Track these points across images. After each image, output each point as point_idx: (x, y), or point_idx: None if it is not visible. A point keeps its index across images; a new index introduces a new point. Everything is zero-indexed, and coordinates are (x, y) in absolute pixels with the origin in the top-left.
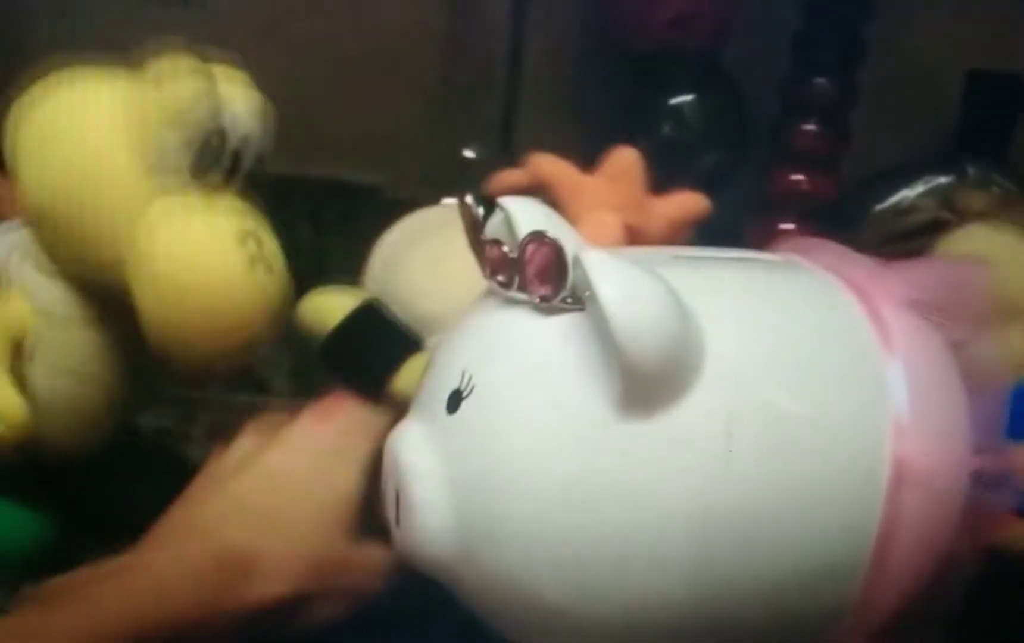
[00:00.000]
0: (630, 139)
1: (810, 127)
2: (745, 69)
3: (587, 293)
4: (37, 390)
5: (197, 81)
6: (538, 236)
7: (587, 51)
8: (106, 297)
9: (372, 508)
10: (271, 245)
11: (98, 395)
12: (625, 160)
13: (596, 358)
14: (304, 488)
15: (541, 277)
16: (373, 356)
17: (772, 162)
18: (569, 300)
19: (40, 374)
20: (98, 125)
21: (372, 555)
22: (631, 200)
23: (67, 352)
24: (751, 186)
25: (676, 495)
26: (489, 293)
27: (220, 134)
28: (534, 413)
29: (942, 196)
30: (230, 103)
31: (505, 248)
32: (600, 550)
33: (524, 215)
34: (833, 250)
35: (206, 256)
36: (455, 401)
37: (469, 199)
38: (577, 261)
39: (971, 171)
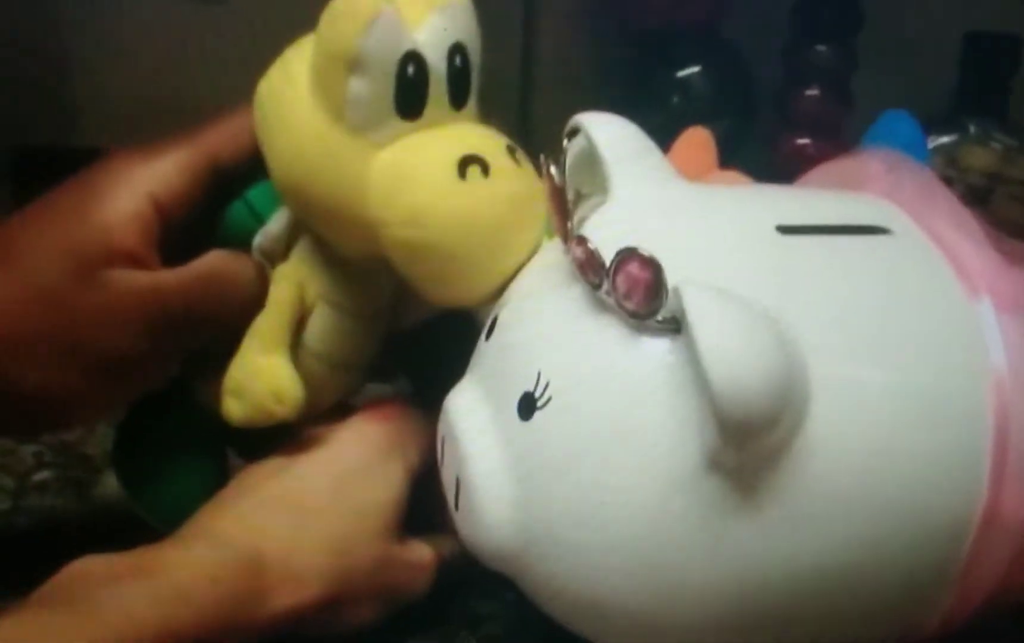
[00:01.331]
0: (641, 114)
1: (813, 92)
2: (747, 39)
3: (685, 325)
4: (305, 371)
5: (360, 11)
6: (631, 253)
7: (597, 31)
8: (371, 283)
9: (428, 505)
10: (506, 164)
11: (348, 382)
12: (698, 139)
13: (693, 396)
14: (340, 492)
15: (634, 296)
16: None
17: (778, 128)
18: (665, 321)
19: (308, 356)
20: (295, 98)
21: (417, 554)
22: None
23: (334, 339)
24: (759, 152)
25: (775, 549)
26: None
27: (415, 59)
28: (617, 449)
29: (946, 155)
30: (417, 21)
31: (592, 246)
32: (678, 575)
33: (608, 139)
34: (915, 180)
35: (419, 195)
36: (528, 406)
37: (555, 169)
38: (676, 292)
39: (972, 129)
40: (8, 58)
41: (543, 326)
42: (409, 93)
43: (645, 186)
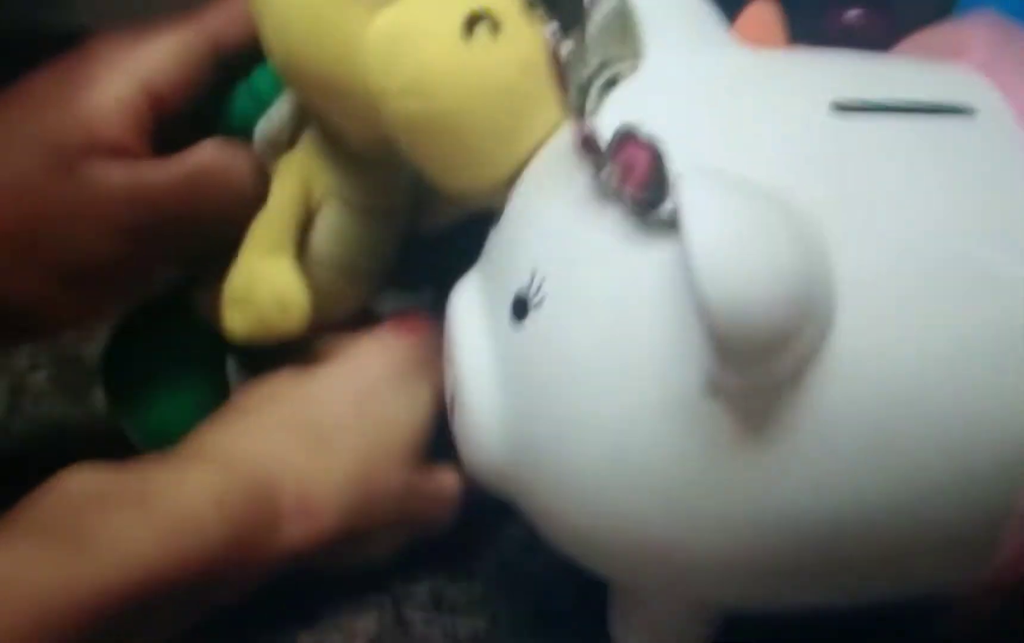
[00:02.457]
0: None
1: None
2: None
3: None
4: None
5: None
6: (630, 134)
7: None
8: (378, 175)
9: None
10: (521, 23)
11: (361, 290)
12: (764, 14)
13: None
14: (360, 412)
15: (630, 182)
16: None
17: (824, 3)
18: (670, 217)
19: (315, 263)
20: None
21: (443, 483)
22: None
23: (345, 240)
24: (805, 27)
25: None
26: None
27: None
28: (606, 363)
29: None
30: None
31: (590, 124)
32: (684, 506)
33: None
34: (1019, 52)
35: (420, 58)
36: (521, 308)
37: (552, 28)
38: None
39: None
40: None
41: (543, 218)
42: None
43: (681, 53)
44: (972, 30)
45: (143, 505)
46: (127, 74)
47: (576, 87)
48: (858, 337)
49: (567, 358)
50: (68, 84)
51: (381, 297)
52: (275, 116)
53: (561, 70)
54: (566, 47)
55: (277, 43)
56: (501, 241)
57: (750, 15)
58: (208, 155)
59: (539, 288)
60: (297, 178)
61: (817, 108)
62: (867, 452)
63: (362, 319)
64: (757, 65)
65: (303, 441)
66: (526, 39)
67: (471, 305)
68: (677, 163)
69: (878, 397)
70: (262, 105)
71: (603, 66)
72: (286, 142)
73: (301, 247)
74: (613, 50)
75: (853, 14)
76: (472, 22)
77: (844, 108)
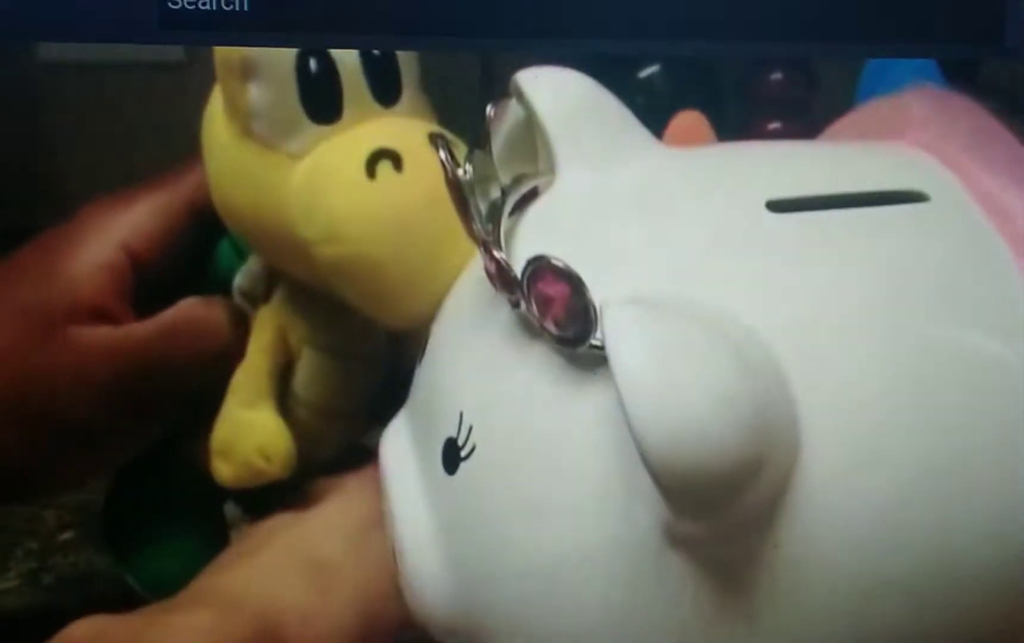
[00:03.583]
0: None
1: (777, 76)
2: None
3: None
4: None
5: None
6: (541, 264)
7: None
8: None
9: None
10: (425, 155)
11: (346, 430)
12: (690, 121)
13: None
14: (358, 545)
15: (550, 318)
16: None
17: (747, 115)
18: (602, 349)
19: (297, 405)
20: (212, 117)
21: None
22: None
23: (324, 385)
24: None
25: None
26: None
27: (316, 54)
28: (547, 516)
29: None
30: None
31: (499, 256)
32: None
33: (553, 103)
34: (966, 125)
35: (330, 203)
36: (451, 456)
37: (443, 155)
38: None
39: None
40: None
41: (466, 354)
42: (316, 92)
43: (597, 162)
44: (911, 105)
45: None
46: (107, 238)
47: (484, 212)
48: (831, 458)
49: (504, 510)
50: (53, 252)
51: (370, 432)
52: (250, 269)
53: (461, 197)
54: (464, 171)
55: (218, 197)
56: (425, 382)
57: (677, 123)
58: (186, 311)
59: (468, 435)
60: (273, 329)
61: (752, 210)
62: (856, 595)
63: (353, 455)
64: (684, 167)
65: (303, 579)
66: (432, 170)
67: (401, 452)
68: (600, 291)
69: (863, 522)
70: (242, 259)
71: (513, 186)
72: (262, 294)
73: (284, 391)
74: (523, 167)
75: (775, 79)
76: (374, 160)
77: (782, 208)
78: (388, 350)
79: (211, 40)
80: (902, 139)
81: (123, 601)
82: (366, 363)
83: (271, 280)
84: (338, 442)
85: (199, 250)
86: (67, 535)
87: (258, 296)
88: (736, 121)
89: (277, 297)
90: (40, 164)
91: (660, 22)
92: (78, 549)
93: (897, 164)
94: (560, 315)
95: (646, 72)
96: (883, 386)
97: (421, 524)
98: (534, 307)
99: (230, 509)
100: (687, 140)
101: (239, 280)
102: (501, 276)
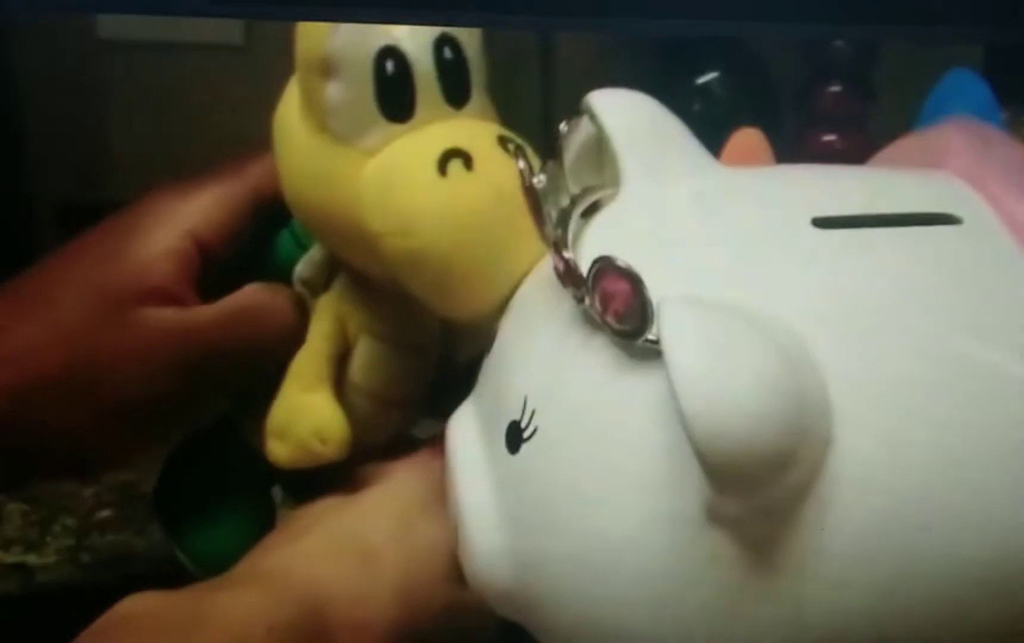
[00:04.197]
0: None
1: (835, 88)
2: (765, 39)
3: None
4: (351, 408)
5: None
6: (607, 265)
7: (611, 41)
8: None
9: None
10: (494, 155)
11: (398, 418)
12: (751, 140)
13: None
14: (404, 533)
15: (612, 313)
16: None
17: (803, 126)
18: (657, 343)
19: (353, 392)
20: (287, 114)
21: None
22: None
23: (379, 374)
24: (787, 152)
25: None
26: None
27: (393, 54)
28: (602, 494)
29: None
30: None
31: (568, 256)
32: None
33: (622, 123)
34: (1001, 155)
35: (402, 199)
36: (514, 437)
37: (522, 163)
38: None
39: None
40: (49, 115)
41: (532, 345)
42: (391, 92)
43: (658, 178)
44: (951, 136)
45: (198, 628)
46: (175, 225)
47: (555, 217)
48: (861, 451)
49: (563, 487)
50: (122, 236)
51: (419, 423)
52: (311, 259)
53: (535, 202)
54: (539, 180)
55: (289, 189)
56: (493, 370)
57: (736, 140)
58: (251, 296)
59: (531, 418)
60: (332, 317)
61: (799, 224)
62: (881, 576)
63: (402, 444)
64: (738, 185)
65: (350, 562)
66: (500, 171)
67: (467, 434)
68: (658, 290)
69: (887, 515)
70: (302, 249)
71: (582, 195)
72: (322, 283)
73: (341, 377)
74: (591, 178)
75: (833, 91)
76: (445, 159)
77: (826, 224)
78: (441, 343)
79: (258, 13)
80: (942, 167)
81: (160, 581)
82: (421, 354)
83: (331, 270)
84: (391, 430)
85: (262, 238)
86: (105, 513)
87: (319, 285)
88: (792, 132)
89: (337, 286)
90: (100, 142)
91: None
92: (116, 528)
93: (934, 189)
94: (621, 310)
95: (704, 79)
96: (910, 390)
97: (484, 501)
98: (597, 302)
99: (276, 491)
100: (746, 158)
101: (300, 269)
102: (569, 273)
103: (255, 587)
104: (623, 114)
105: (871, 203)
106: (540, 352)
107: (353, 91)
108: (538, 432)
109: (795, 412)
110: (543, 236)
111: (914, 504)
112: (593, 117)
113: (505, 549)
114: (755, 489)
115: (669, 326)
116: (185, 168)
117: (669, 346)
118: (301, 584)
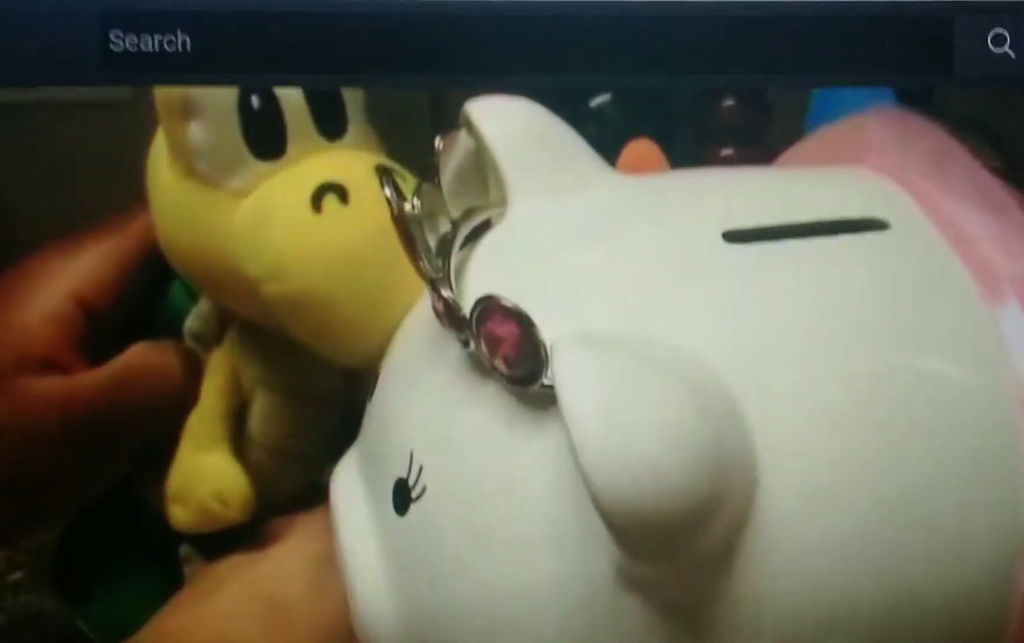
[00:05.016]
0: None
1: (729, 102)
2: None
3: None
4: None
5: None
6: (492, 304)
7: None
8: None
9: None
10: (372, 188)
11: (304, 471)
12: (642, 150)
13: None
14: (317, 583)
15: (500, 358)
16: None
17: (699, 142)
18: (551, 387)
19: (253, 447)
20: (156, 159)
21: None
22: None
23: (279, 427)
24: (685, 167)
25: None
26: None
27: (262, 90)
28: (499, 558)
29: None
30: None
31: (448, 295)
32: None
33: (503, 134)
34: (926, 149)
35: (275, 240)
36: (402, 496)
37: (389, 191)
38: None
39: None
40: None
41: (416, 393)
42: (259, 129)
43: (551, 194)
44: (869, 127)
45: None
46: (57, 288)
47: (436, 246)
48: (789, 493)
49: (455, 552)
50: (1, 302)
51: (327, 471)
52: (199, 312)
53: (406, 233)
54: (412, 206)
55: (163, 239)
56: (376, 419)
57: (630, 152)
58: (137, 358)
59: (418, 476)
60: (226, 371)
61: (709, 241)
62: (821, 634)
63: (312, 495)
64: (638, 196)
65: (259, 620)
66: (379, 204)
67: (351, 488)
68: (552, 328)
69: (821, 556)
70: (196, 300)
71: (464, 218)
72: (214, 336)
73: (240, 432)
74: (477, 199)
75: (727, 105)
76: (319, 195)
77: (738, 238)
78: (346, 390)
79: (154, 80)
80: (862, 164)
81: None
82: (322, 404)
83: (222, 322)
84: (295, 483)
85: (151, 293)
86: (16, 575)
87: (210, 338)
88: (688, 149)
89: (229, 339)
90: None
91: (610, 55)
92: (28, 590)
93: (857, 191)
94: (510, 354)
95: (597, 101)
96: (840, 419)
97: (372, 564)
98: (484, 346)
99: (184, 548)
100: (640, 168)
101: (190, 322)
102: (449, 315)
103: None
104: (505, 123)
105: (787, 211)
106: (425, 401)
107: (218, 131)
108: (427, 492)
109: (710, 463)
110: (418, 271)
111: (854, 548)
112: (472, 129)
113: (394, 615)
114: (668, 551)
115: (564, 371)
116: (71, 227)
117: (564, 394)
118: None
